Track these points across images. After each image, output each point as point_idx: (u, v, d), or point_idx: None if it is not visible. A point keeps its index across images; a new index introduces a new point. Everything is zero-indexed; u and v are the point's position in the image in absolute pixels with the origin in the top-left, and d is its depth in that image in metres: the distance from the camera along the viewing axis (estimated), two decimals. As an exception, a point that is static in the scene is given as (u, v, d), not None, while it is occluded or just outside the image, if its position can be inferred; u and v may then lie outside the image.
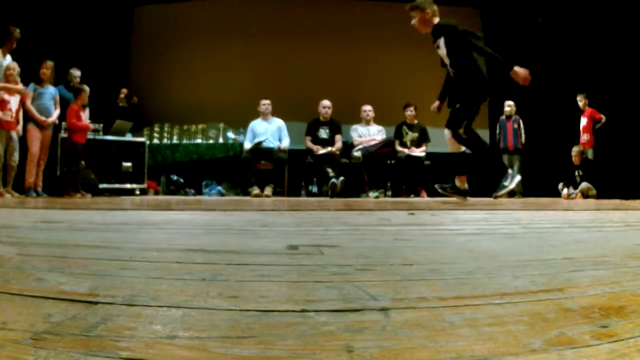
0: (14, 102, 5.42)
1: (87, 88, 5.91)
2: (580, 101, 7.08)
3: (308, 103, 7.16)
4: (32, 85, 5.67)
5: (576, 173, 6.88)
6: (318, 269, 0.89)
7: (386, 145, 6.92)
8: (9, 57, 5.52)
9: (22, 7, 6.56)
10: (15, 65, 5.45)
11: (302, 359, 0.43)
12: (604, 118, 6.90)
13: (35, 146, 5.60)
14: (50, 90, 5.81)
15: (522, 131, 7.36)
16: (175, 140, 7.71)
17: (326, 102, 6.97)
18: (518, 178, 4.24)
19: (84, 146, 5.83)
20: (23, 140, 5.57)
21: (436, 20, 4.28)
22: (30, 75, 5.65)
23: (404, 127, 7.10)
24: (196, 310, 0.59)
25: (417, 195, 6.86)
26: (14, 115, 5.42)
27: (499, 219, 2.43)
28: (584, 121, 7.06)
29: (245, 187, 6.72)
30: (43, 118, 5.64)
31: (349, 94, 7.54)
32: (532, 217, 2.53)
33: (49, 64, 5.75)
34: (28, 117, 5.60)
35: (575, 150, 6.88)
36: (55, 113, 5.85)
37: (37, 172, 5.69)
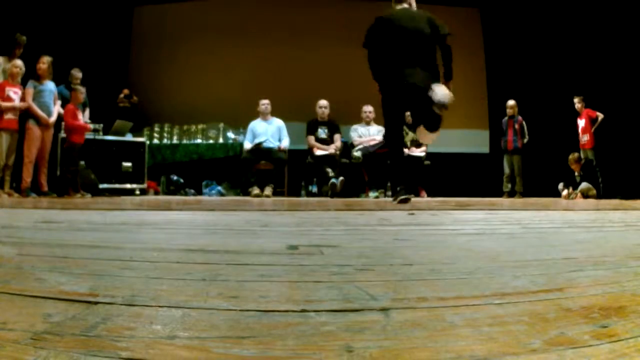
0: (17, 99, 5.36)
1: (81, 88, 5.84)
2: (577, 104, 7.08)
3: (308, 103, 7.14)
4: (30, 83, 5.54)
5: (576, 173, 6.89)
6: (318, 269, 0.88)
7: (386, 146, 6.90)
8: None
9: (22, 7, 6.55)
10: (21, 64, 5.42)
11: (302, 359, 0.43)
12: (601, 115, 6.87)
13: (34, 145, 5.48)
14: (50, 87, 5.70)
15: (525, 132, 7.33)
16: (175, 140, 7.71)
17: (323, 102, 6.96)
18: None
19: (82, 146, 5.81)
20: (21, 138, 5.49)
21: None
22: (30, 76, 5.62)
23: (404, 128, 7.08)
24: (196, 310, 0.59)
25: (417, 195, 6.85)
26: (17, 113, 5.39)
27: (499, 219, 2.43)
28: (581, 123, 7.06)
29: (245, 187, 6.72)
30: (45, 116, 5.53)
31: (349, 94, 7.53)
32: (532, 217, 2.53)
33: (46, 58, 5.63)
34: (28, 115, 5.50)
35: (570, 158, 6.87)
36: (56, 109, 5.74)
37: (40, 172, 5.64)
